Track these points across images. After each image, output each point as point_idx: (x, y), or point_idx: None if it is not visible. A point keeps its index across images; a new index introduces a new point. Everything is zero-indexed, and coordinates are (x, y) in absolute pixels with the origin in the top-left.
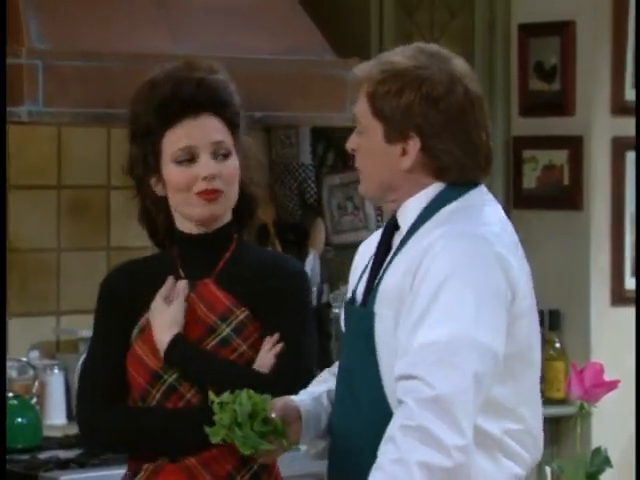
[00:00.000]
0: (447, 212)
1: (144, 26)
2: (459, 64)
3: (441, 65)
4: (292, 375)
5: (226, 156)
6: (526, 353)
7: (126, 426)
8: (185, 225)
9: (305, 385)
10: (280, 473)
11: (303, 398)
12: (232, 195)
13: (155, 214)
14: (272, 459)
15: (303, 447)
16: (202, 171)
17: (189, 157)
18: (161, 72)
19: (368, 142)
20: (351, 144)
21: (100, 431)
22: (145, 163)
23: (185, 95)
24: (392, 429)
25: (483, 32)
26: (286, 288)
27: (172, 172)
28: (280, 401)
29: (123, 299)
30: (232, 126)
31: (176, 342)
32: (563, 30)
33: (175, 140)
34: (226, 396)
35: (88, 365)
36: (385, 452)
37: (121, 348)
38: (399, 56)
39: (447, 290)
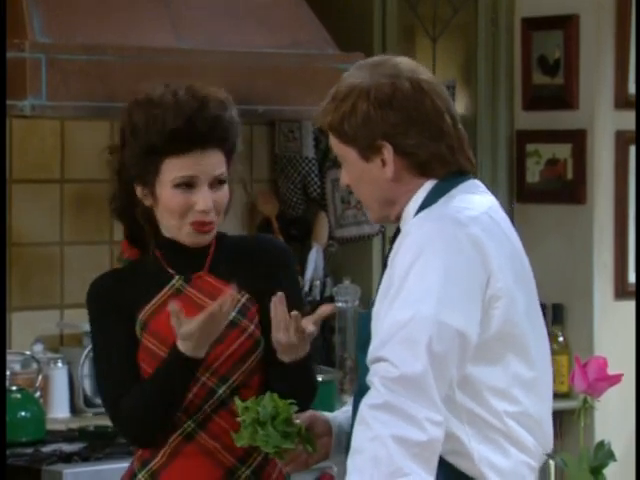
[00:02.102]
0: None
1: (147, 20)
2: (401, 61)
3: (381, 70)
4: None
5: (221, 183)
6: (508, 335)
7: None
8: (169, 233)
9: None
10: None
11: (336, 414)
12: (220, 221)
13: (138, 218)
14: (300, 466)
15: (333, 466)
16: (200, 204)
17: (189, 184)
18: (173, 96)
19: (352, 170)
20: (344, 180)
21: (132, 425)
22: (139, 176)
23: (198, 132)
24: (361, 411)
25: (486, 26)
26: (281, 265)
27: (169, 195)
28: (309, 411)
29: (113, 296)
30: (230, 156)
31: None
32: (566, 24)
33: (178, 167)
34: (250, 400)
35: (101, 368)
36: (359, 434)
37: (126, 341)
38: (339, 82)
39: (414, 271)
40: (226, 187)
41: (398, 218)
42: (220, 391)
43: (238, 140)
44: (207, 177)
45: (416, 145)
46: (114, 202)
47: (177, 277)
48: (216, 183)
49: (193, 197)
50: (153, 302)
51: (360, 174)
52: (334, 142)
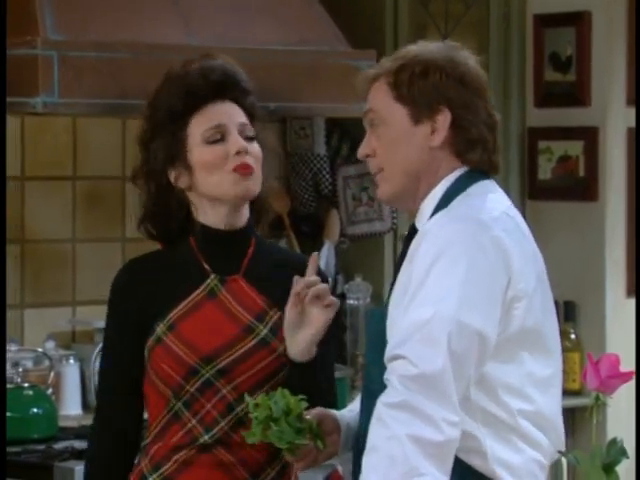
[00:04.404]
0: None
1: (158, 17)
2: (468, 52)
3: (455, 52)
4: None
5: (251, 139)
6: (526, 334)
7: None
8: (209, 218)
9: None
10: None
11: (343, 412)
12: (259, 175)
13: (172, 217)
14: (310, 463)
15: (338, 465)
16: (234, 146)
17: (219, 136)
18: (181, 66)
19: (389, 132)
20: (365, 149)
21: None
22: (169, 152)
23: (214, 81)
24: (378, 409)
25: (498, 23)
26: None
27: (203, 152)
28: (317, 408)
29: (126, 298)
30: (251, 115)
31: None
32: (578, 20)
33: (204, 121)
34: (261, 397)
35: (100, 366)
36: (375, 432)
37: (129, 353)
38: (410, 49)
39: (435, 271)
40: (257, 145)
41: (412, 203)
42: (238, 409)
43: (254, 99)
44: (233, 124)
45: (473, 122)
46: (145, 218)
47: (212, 276)
48: (245, 136)
49: (226, 146)
50: (186, 302)
51: (399, 136)
52: (383, 98)
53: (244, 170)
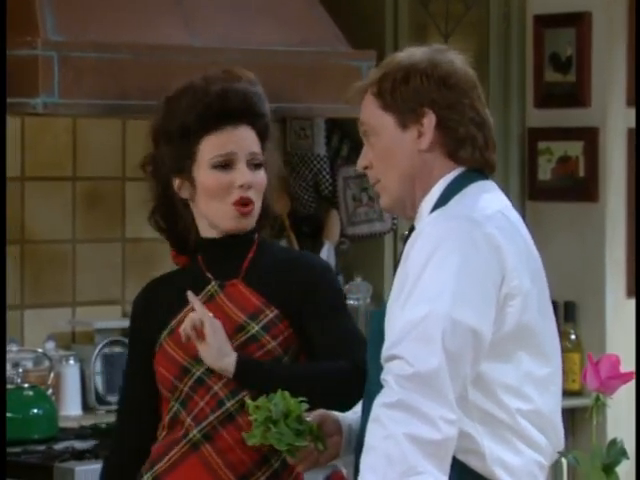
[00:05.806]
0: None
1: (160, 18)
2: (455, 53)
3: (439, 54)
4: (363, 355)
5: (258, 167)
6: (522, 333)
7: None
8: (208, 231)
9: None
10: (301, 473)
11: (346, 415)
12: (259, 204)
13: (178, 217)
14: (311, 465)
15: (342, 467)
16: (240, 179)
17: (226, 163)
18: (204, 78)
19: (381, 140)
20: (363, 161)
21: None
22: (176, 164)
23: (231, 105)
24: (375, 410)
25: (498, 23)
26: (318, 283)
27: (208, 177)
28: (319, 411)
29: (145, 320)
30: (263, 138)
31: (243, 365)
32: (579, 21)
33: (216, 146)
34: (261, 399)
35: (123, 379)
36: (372, 432)
37: (143, 370)
38: (394, 56)
39: (429, 268)
40: (263, 172)
41: (411, 209)
42: (228, 404)
43: (269, 121)
44: (244, 153)
45: (459, 122)
46: (155, 211)
47: (213, 283)
48: (252, 165)
49: (232, 175)
50: (186, 309)
51: (390, 144)
52: (371, 109)
53: (244, 209)
